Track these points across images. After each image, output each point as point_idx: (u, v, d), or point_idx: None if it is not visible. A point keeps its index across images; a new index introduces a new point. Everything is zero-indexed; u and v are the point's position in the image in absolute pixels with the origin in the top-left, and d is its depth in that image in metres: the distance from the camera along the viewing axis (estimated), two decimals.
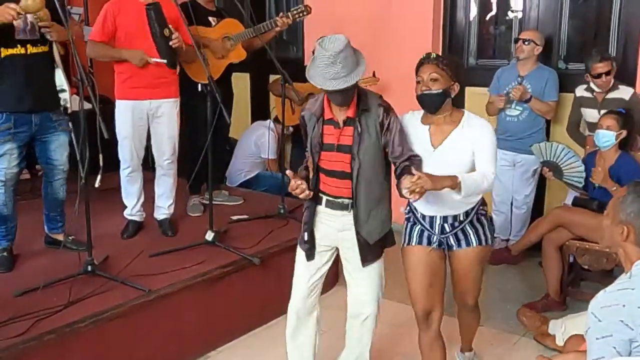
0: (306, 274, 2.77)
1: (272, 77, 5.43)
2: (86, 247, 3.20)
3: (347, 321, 2.87)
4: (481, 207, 2.74)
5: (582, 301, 3.51)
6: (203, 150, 3.60)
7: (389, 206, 2.72)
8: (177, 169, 4.00)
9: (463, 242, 2.71)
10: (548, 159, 3.89)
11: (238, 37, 4.25)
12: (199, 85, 3.57)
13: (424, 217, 2.71)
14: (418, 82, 2.58)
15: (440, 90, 2.54)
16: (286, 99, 4.93)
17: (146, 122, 3.80)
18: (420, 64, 2.58)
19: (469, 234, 2.71)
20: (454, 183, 2.41)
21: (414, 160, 2.55)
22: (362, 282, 2.73)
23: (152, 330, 3.08)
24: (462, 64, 2.52)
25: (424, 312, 2.73)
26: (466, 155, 2.58)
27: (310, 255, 2.74)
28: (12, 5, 2.99)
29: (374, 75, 4.81)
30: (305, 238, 2.71)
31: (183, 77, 4.16)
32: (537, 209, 4.62)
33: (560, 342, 3.21)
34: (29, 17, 3.12)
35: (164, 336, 3.12)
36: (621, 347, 1.63)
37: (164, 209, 3.99)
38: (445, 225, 2.69)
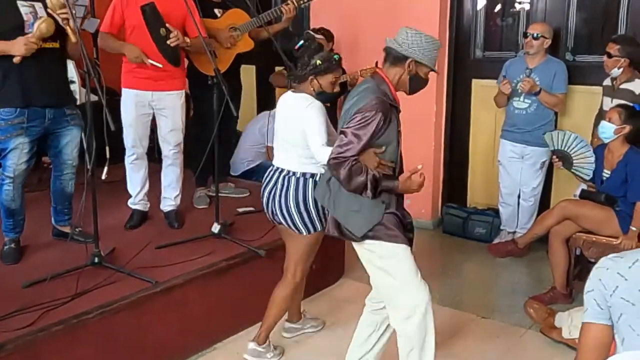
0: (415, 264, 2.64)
1: (278, 69, 5.42)
2: (93, 239, 3.21)
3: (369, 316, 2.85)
4: None
5: None
6: (210, 142, 3.61)
7: None
8: (183, 160, 4.00)
9: None
10: (559, 148, 3.85)
11: (244, 27, 4.23)
12: (209, 79, 3.58)
13: None
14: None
15: None
16: (285, 89, 4.94)
17: (150, 112, 3.81)
18: None
19: None
20: None
21: None
22: None
23: (159, 322, 3.09)
24: None
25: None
26: None
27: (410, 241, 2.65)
28: (31, 38, 3.04)
29: (376, 65, 4.79)
30: (409, 228, 2.64)
31: (192, 69, 4.17)
32: (544, 202, 4.61)
33: (566, 334, 3.21)
34: (39, 12, 3.14)
35: (170, 328, 3.13)
36: (600, 300, 1.64)
37: (170, 200, 3.99)
38: None
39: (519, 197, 4.61)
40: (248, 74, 5.69)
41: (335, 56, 2.91)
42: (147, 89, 3.73)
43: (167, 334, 3.12)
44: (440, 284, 4.21)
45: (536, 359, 3.19)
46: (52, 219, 3.64)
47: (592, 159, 3.73)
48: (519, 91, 4.31)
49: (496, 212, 4.79)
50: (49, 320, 2.69)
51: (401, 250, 2.56)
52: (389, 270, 2.58)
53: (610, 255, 1.68)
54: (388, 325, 2.78)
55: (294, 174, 2.90)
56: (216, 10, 4.26)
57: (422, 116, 4.99)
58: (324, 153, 2.61)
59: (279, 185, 2.93)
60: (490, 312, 3.72)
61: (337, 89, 2.98)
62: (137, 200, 3.97)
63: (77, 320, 2.74)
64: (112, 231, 3.65)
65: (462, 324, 3.57)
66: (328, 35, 4.92)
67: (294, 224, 2.92)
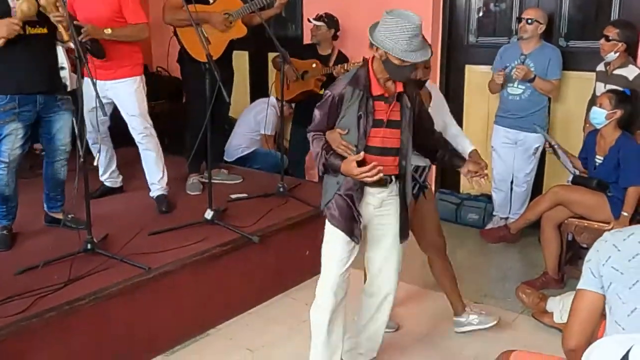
0: (346, 257, 2.61)
1: (271, 55, 5.38)
2: (85, 225, 3.20)
3: (364, 300, 2.84)
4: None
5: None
6: (202, 129, 3.59)
7: None
8: (158, 141, 4.02)
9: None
10: (550, 141, 3.96)
11: (237, 13, 4.21)
12: (202, 65, 3.58)
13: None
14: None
15: None
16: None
17: (106, 100, 3.75)
18: None
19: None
20: None
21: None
22: (392, 258, 2.71)
23: (152, 308, 3.09)
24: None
25: None
26: None
27: (358, 238, 2.60)
28: (13, 19, 3.03)
29: (363, 60, 4.76)
30: (361, 223, 2.59)
31: (185, 55, 4.17)
32: (537, 188, 4.63)
33: (558, 319, 3.24)
34: None
35: (163, 314, 3.14)
36: (595, 269, 1.73)
37: (156, 184, 4.01)
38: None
39: (511, 183, 4.62)
40: (241, 60, 5.66)
41: None
42: (99, 78, 3.69)
43: (160, 320, 3.13)
44: None
45: (528, 344, 3.18)
46: (45, 205, 3.63)
47: (571, 170, 3.93)
48: (514, 78, 4.31)
49: (489, 198, 4.81)
50: (42, 306, 2.69)
51: (334, 236, 2.59)
52: (322, 250, 2.67)
53: (612, 230, 1.79)
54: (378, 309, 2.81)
55: None
56: None
57: None
58: None
59: None
60: (483, 297, 3.74)
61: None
62: (103, 178, 4.20)
63: (70, 307, 2.74)
64: (104, 218, 3.64)
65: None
66: (330, 22, 4.80)
67: None
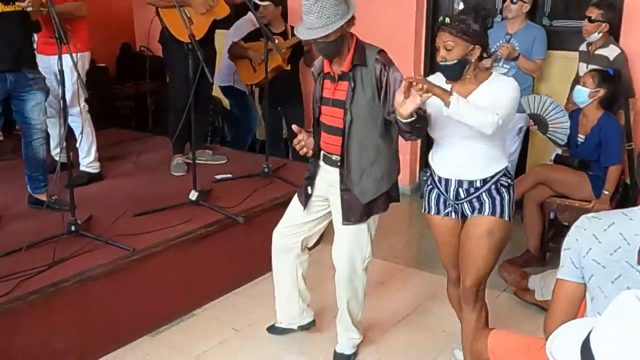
0: (298, 215, 2.87)
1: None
2: (69, 206, 3.19)
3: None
4: (503, 178, 2.48)
5: None
6: (185, 109, 3.57)
7: (388, 167, 2.68)
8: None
9: (476, 211, 2.48)
10: (535, 112, 3.86)
11: None
12: (185, 46, 3.58)
13: (440, 179, 2.53)
14: (437, 50, 2.41)
15: (456, 61, 2.34)
16: (245, 59, 4.83)
17: (52, 74, 3.74)
18: (437, 30, 2.40)
19: (484, 202, 2.45)
20: (446, 95, 2.24)
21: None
22: (342, 237, 2.75)
23: (137, 290, 3.10)
24: (483, 24, 2.37)
25: (454, 277, 2.69)
26: None
27: (305, 204, 2.82)
28: None
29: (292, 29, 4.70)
30: (309, 192, 2.80)
31: (167, 35, 4.13)
32: (520, 168, 4.65)
33: (539, 296, 3.29)
34: None
35: (149, 295, 3.15)
36: (575, 260, 1.68)
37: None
38: (460, 190, 2.48)
39: None
40: (222, 39, 5.61)
41: None
42: (46, 53, 3.77)
43: (145, 301, 3.14)
44: (417, 248, 4.28)
45: (510, 320, 3.26)
46: (28, 186, 3.61)
47: (567, 124, 3.75)
48: (498, 56, 4.31)
49: None
50: (25, 289, 2.68)
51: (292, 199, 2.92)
52: None
53: (589, 215, 1.71)
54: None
55: None
56: None
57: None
58: None
59: None
60: None
61: None
62: (54, 153, 4.17)
63: (55, 289, 2.74)
64: (89, 199, 3.63)
65: (438, 286, 3.60)
66: (275, 0, 4.82)
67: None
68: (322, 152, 2.74)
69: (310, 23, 2.42)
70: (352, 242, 2.73)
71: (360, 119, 2.55)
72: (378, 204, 2.71)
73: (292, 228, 2.89)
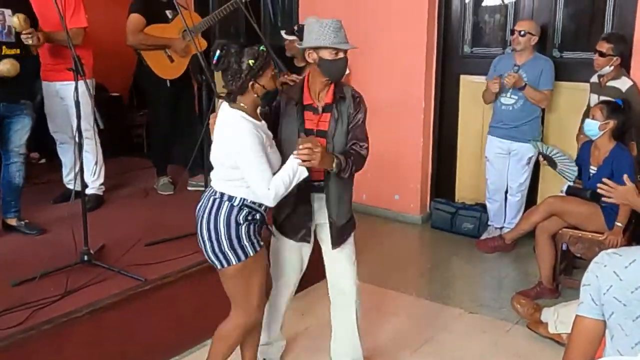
0: (298, 264, 2.90)
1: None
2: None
3: (331, 306, 2.93)
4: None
5: (575, 289, 3.52)
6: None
7: (351, 191, 2.84)
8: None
9: None
10: (544, 153, 3.97)
11: (197, 28, 4.17)
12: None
13: None
14: None
15: None
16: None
17: (63, 102, 3.95)
18: None
19: None
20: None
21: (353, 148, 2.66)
22: (341, 260, 2.83)
23: (149, 320, 3.09)
24: None
25: None
26: None
27: (307, 238, 2.82)
28: None
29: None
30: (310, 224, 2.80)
31: (148, 70, 4.30)
32: (531, 198, 4.66)
33: (552, 329, 3.25)
34: (7, 20, 3.34)
35: (161, 325, 3.14)
36: (595, 296, 1.66)
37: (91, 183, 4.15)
38: None
39: (506, 192, 4.65)
40: None
41: (261, 47, 2.46)
42: (48, 79, 3.99)
43: (157, 332, 3.13)
44: (429, 278, 4.26)
45: (522, 354, 3.23)
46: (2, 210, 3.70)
47: (575, 168, 3.86)
48: (505, 86, 4.34)
49: (484, 208, 4.83)
50: (38, 319, 2.69)
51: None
52: None
53: (609, 251, 1.69)
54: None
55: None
56: (167, 12, 4.31)
57: (410, 112, 5.02)
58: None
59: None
60: (478, 307, 3.76)
61: (278, 83, 2.70)
62: (66, 180, 4.29)
63: (67, 319, 2.74)
64: (101, 227, 3.63)
65: (449, 318, 3.61)
66: (302, 35, 4.76)
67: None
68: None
69: (344, 37, 2.57)
70: (352, 260, 2.85)
71: (337, 147, 2.67)
72: (352, 224, 2.86)
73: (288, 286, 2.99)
